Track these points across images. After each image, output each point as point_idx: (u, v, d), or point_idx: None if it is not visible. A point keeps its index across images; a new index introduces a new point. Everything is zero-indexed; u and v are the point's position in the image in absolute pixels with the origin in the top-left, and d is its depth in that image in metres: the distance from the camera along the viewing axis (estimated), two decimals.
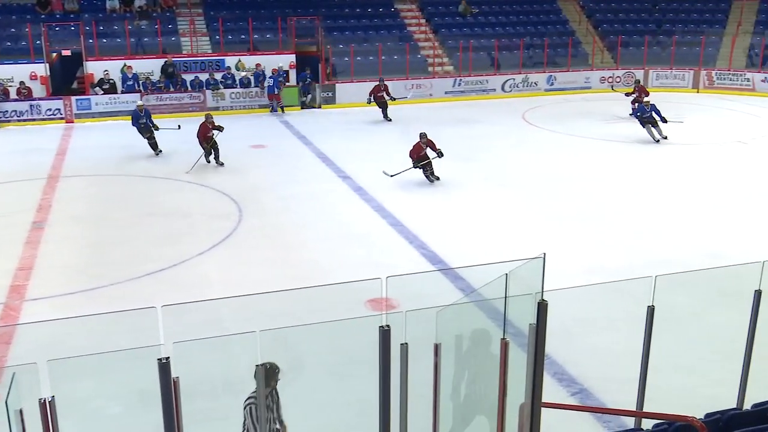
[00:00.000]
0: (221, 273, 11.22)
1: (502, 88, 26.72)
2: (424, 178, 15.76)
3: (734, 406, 6.55)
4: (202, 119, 17.55)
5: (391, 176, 15.26)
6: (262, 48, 25.48)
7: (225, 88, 24.17)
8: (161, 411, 4.10)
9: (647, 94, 20.97)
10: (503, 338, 5.23)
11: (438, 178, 15.59)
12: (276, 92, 23.88)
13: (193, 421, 4.83)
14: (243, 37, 25.65)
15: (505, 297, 4.99)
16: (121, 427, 6.26)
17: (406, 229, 12.95)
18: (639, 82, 23.08)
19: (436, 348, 5.61)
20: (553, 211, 13.94)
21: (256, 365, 4.74)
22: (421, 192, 15.23)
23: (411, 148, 15.69)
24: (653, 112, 19.04)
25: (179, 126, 18.60)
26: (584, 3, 31.28)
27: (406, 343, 5.12)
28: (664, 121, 18.94)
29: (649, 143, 19.29)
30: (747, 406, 6.38)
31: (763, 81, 26.25)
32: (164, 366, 3.99)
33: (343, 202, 14.66)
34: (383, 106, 22.82)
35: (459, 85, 26.31)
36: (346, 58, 25.90)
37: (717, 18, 29.71)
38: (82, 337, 7.06)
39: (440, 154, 15.48)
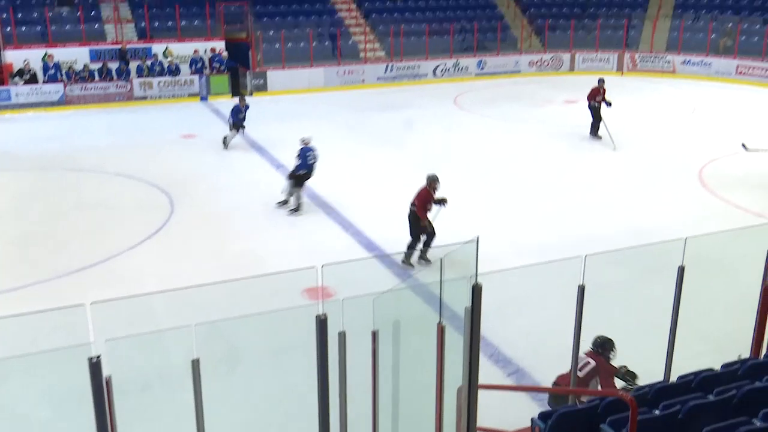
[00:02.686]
0: (154, 266, 10.98)
1: (434, 73, 26.87)
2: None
3: (661, 378, 6.80)
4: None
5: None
6: (190, 35, 24.90)
7: (155, 75, 23.57)
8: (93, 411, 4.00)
9: None
10: (439, 322, 5.29)
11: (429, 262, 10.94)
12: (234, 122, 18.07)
13: (127, 420, 4.73)
14: (170, 23, 25.03)
15: (440, 281, 5.05)
16: (52, 430, 6.09)
17: (341, 216, 12.94)
18: None
19: (374, 335, 5.64)
20: (485, 194, 14.14)
21: None
22: (355, 179, 15.21)
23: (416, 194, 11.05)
24: None
25: None
26: None
27: (344, 332, 5.13)
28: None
29: (576, 126, 19.73)
30: (673, 377, 6.64)
31: (683, 63, 27.15)
32: (95, 365, 3.89)
33: (276, 192, 14.51)
34: (597, 117, 17.94)
35: (391, 70, 26.33)
36: (277, 45, 25.59)
37: (638, 2, 30.52)
38: (7, 339, 6.82)
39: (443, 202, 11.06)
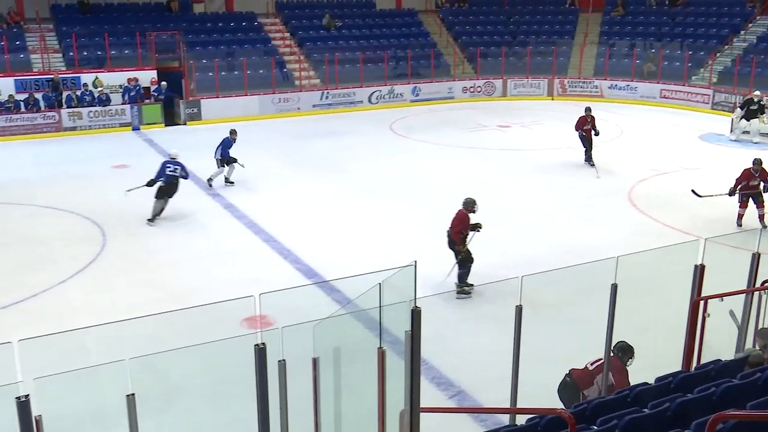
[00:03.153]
0: (87, 300, 10.67)
1: (369, 100, 27.08)
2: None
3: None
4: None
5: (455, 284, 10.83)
6: (121, 64, 24.51)
7: (84, 106, 23.01)
8: None
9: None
10: (380, 347, 5.29)
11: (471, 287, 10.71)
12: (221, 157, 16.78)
13: None
14: (99, 53, 24.58)
15: (380, 306, 5.05)
16: None
17: (279, 244, 12.84)
18: (760, 162, 13.45)
19: (315, 362, 5.59)
20: (422, 217, 14.26)
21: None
22: (293, 206, 15.15)
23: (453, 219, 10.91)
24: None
25: None
26: (444, 16, 32.32)
27: (284, 360, 5.07)
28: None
29: (512, 150, 20.14)
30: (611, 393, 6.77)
31: (610, 87, 28.08)
32: (23, 405, 3.74)
33: (213, 220, 14.35)
34: (587, 145, 17.99)
35: (326, 98, 26.43)
36: (210, 74, 25.39)
37: (566, 29, 31.51)
38: None
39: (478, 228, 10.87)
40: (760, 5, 28.66)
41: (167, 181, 14.04)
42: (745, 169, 13.46)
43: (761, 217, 13.37)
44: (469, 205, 10.80)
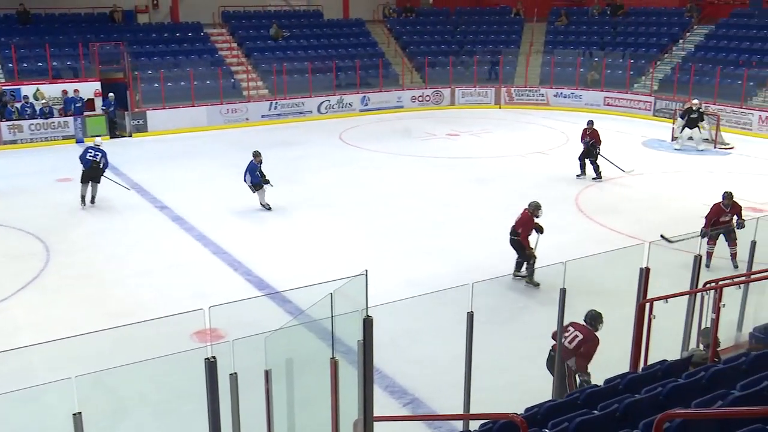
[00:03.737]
0: (30, 318, 10.37)
1: (319, 110, 27.05)
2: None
3: (550, 398, 7.03)
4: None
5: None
6: (63, 75, 23.98)
7: (25, 118, 22.38)
8: None
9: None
10: (332, 357, 5.28)
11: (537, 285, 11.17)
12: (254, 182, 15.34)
13: None
14: (40, 64, 24.01)
15: (332, 316, 5.05)
16: None
17: (230, 256, 12.70)
18: (731, 196, 11.87)
19: (267, 374, 5.55)
20: (373, 227, 14.28)
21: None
22: (243, 218, 15.00)
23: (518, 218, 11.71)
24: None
25: None
26: (391, 26, 32.52)
27: (235, 373, 5.02)
28: None
29: (460, 158, 20.34)
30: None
31: (555, 96, 28.61)
32: None
33: (161, 233, 14.11)
34: (582, 157, 17.91)
35: (275, 108, 26.29)
36: (156, 85, 25.02)
37: (512, 39, 32.02)
38: None
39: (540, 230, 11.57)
40: (697, 15, 29.62)
41: (86, 166, 15.21)
42: (714, 204, 11.96)
43: (733, 256, 11.68)
44: (535, 209, 11.51)
